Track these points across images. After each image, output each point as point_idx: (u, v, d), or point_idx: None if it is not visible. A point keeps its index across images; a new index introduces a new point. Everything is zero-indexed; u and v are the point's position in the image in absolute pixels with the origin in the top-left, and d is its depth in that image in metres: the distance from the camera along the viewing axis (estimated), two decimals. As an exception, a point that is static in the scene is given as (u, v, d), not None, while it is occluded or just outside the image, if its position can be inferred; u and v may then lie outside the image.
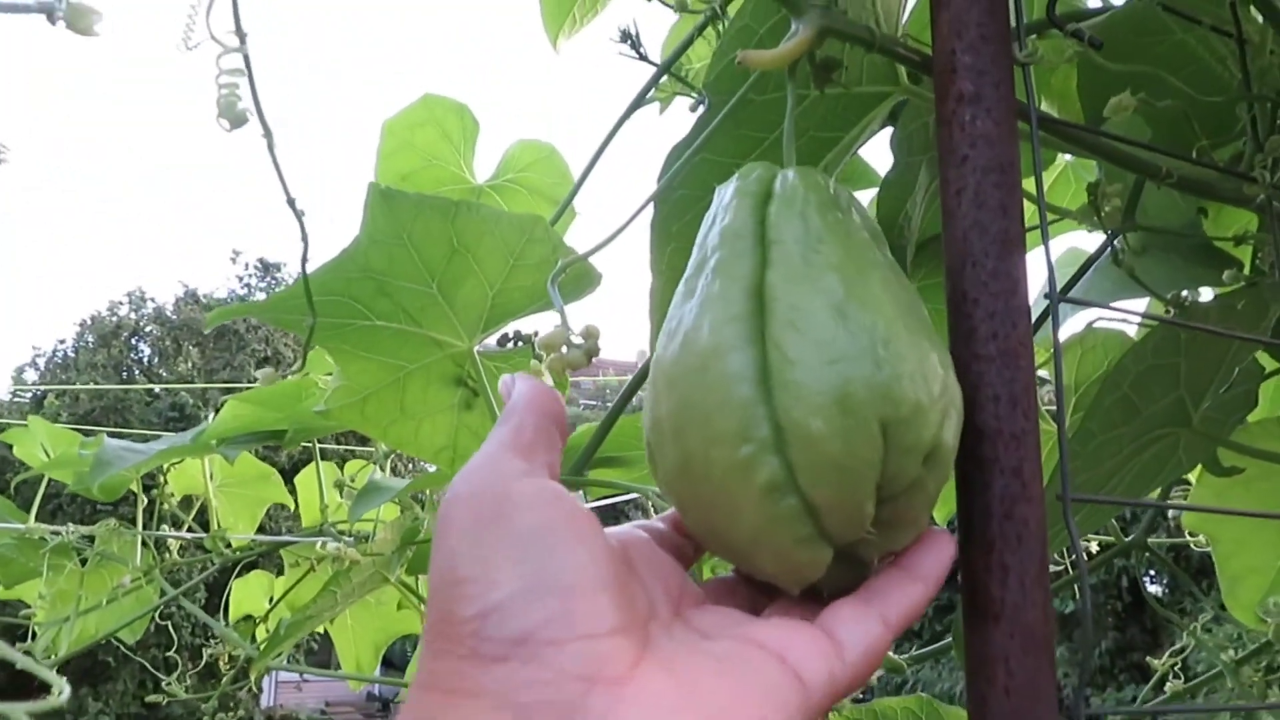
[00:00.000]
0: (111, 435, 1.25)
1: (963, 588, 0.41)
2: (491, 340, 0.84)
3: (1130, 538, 1.07)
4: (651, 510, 0.78)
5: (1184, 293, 0.91)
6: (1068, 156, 1.08)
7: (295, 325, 0.79)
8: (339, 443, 2.32)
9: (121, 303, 15.19)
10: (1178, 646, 1.05)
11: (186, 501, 1.57)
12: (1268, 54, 0.53)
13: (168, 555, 1.43)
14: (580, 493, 0.89)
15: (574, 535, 0.35)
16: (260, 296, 15.17)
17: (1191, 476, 1.06)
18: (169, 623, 1.49)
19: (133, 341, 14.85)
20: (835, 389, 0.36)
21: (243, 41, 0.59)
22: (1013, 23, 0.46)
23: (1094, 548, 1.32)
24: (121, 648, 1.65)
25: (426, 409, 0.87)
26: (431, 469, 1.03)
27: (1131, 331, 1.03)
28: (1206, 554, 1.11)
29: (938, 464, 0.39)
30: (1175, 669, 1.04)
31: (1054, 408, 0.59)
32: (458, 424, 0.88)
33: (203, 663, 1.55)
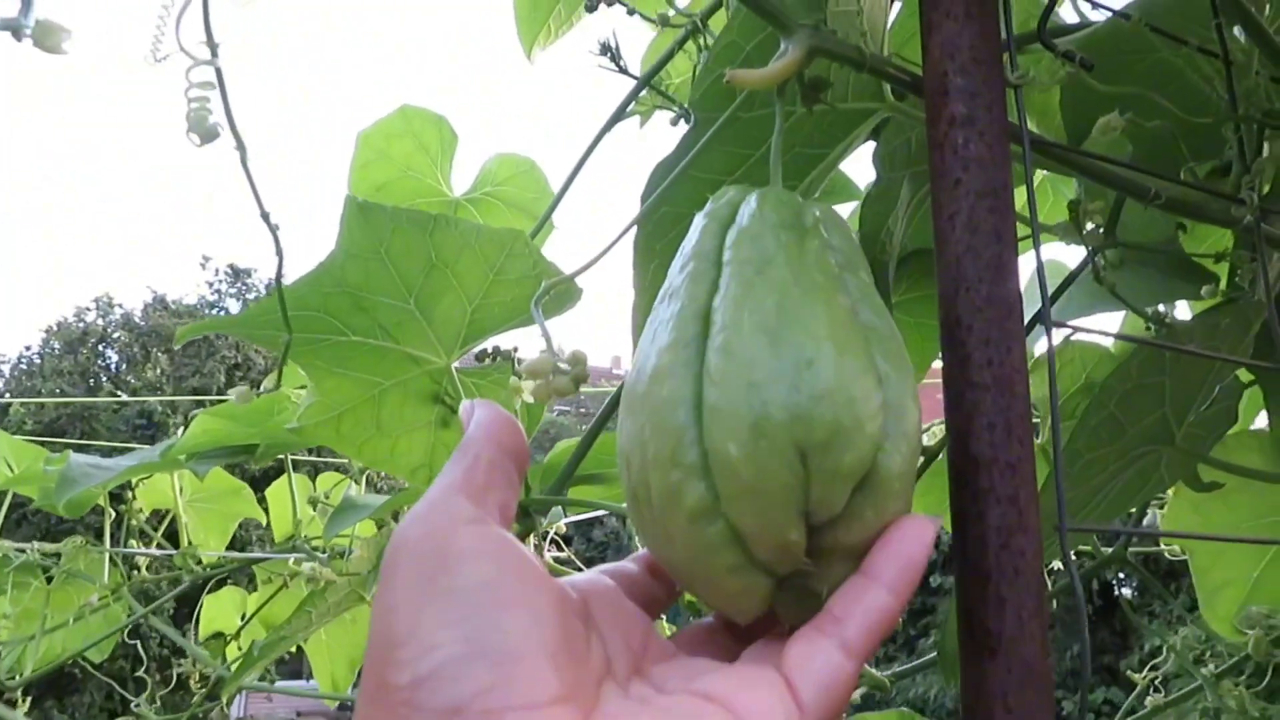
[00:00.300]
0: (78, 444, 1.23)
1: (959, 621, 0.40)
2: (470, 356, 0.83)
3: (1110, 550, 1.07)
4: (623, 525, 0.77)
5: (1161, 308, 0.92)
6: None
7: (269, 341, 0.77)
8: (311, 453, 2.29)
9: (89, 309, 15.00)
10: (1159, 661, 1.05)
11: (155, 515, 1.54)
12: (1253, 75, 0.53)
13: (136, 572, 1.41)
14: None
15: (521, 592, 0.33)
16: (230, 303, 15.06)
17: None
18: (138, 642, 1.46)
19: (100, 348, 14.67)
20: (752, 412, 0.35)
21: (214, 53, 0.58)
22: (1004, 45, 0.45)
23: (1071, 556, 1.32)
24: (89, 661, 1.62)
25: (403, 426, 0.85)
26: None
27: (1108, 342, 1.03)
28: (1176, 559, 1.12)
29: (875, 492, 0.37)
30: (1153, 682, 1.04)
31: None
32: (435, 441, 0.86)
33: (173, 680, 1.52)
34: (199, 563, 1.36)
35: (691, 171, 0.58)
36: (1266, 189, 0.60)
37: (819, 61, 0.48)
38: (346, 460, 1.46)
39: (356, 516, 1.01)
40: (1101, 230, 0.76)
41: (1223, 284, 0.86)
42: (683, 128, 0.94)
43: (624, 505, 0.83)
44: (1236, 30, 0.57)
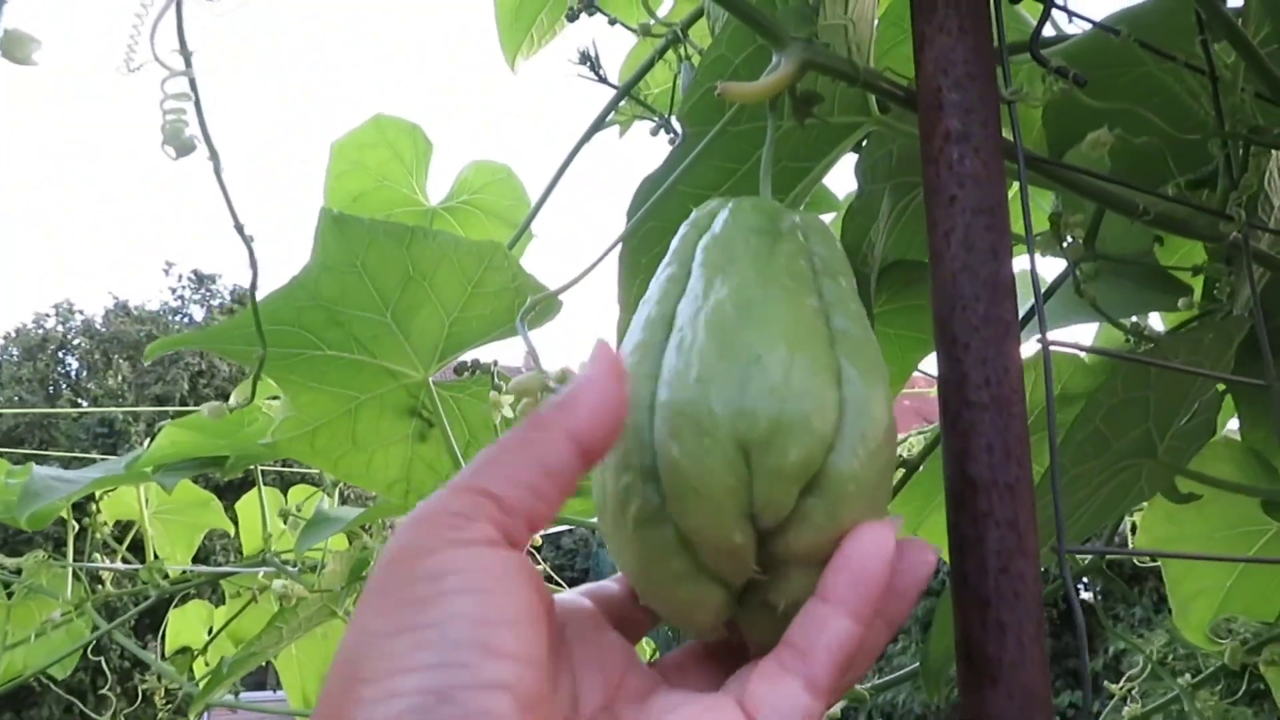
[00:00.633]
0: (38, 454, 1.20)
1: (958, 648, 0.39)
2: (448, 370, 0.82)
3: (1087, 561, 1.08)
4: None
5: (1135, 319, 0.92)
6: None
7: (243, 356, 0.75)
8: (280, 463, 2.26)
9: (48, 315, 14.73)
10: (1134, 671, 1.05)
11: (120, 525, 1.51)
12: (1239, 91, 0.53)
13: (100, 587, 1.38)
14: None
15: (501, 637, 0.29)
16: (194, 309, 14.85)
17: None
18: (101, 658, 1.43)
19: (60, 355, 14.42)
20: (695, 408, 0.34)
21: (188, 63, 0.56)
22: (998, 60, 0.45)
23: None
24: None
25: (379, 441, 0.84)
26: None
27: (1083, 351, 1.04)
28: (1142, 565, 1.12)
29: (826, 495, 0.34)
30: (1130, 692, 1.04)
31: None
32: (412, 456, 0.85)
33: (138, 695, 1.49)
34: (165, 577, 1.34)
35: (678, 186, 0.57)
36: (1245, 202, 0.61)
37: (809, 75, 0.47)
38: (316, 471, 1.44)
39: (329, 530, 1.00)
40: (1081, 242, 0.76)
41: (1197, 296, 0.87)
42: (663, 137, 0.94)
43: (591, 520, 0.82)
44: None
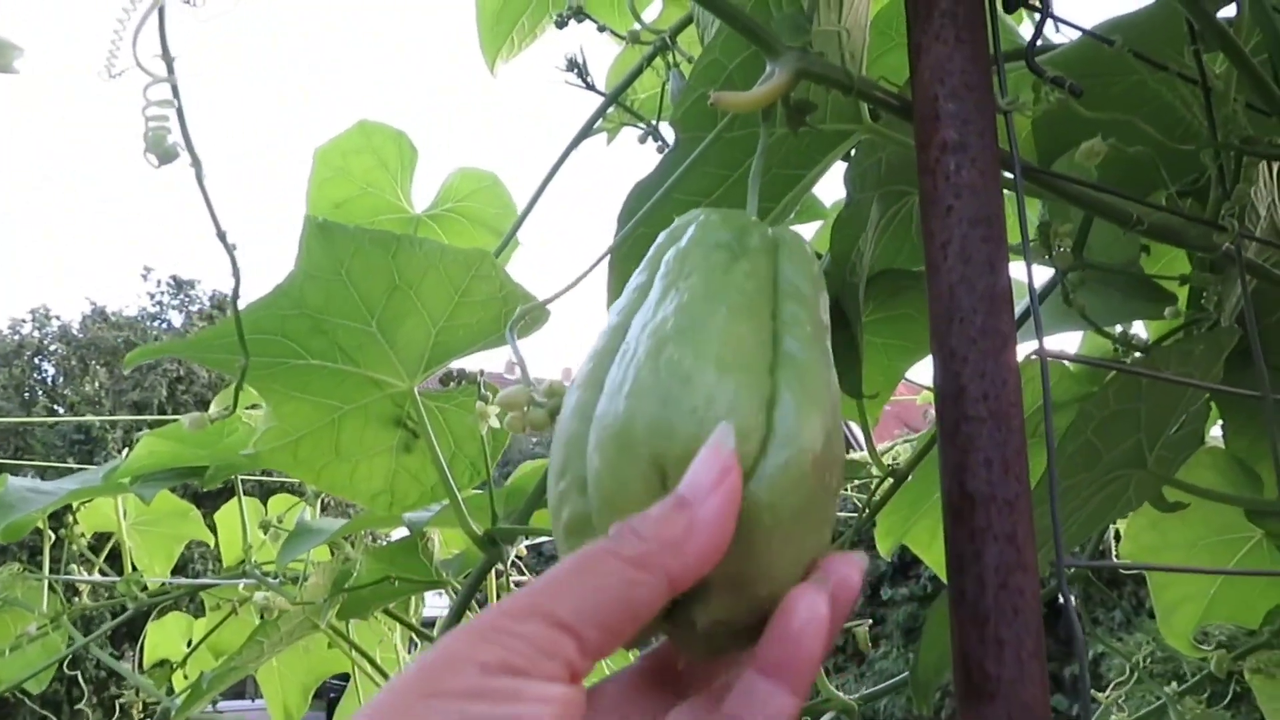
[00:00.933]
0: (12, 463, 1.18)
1: (955, 664, 0.39)
2: (433, 380, 0.81)
3: (1072, 570, 1.08)
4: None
5: (1121, 328, 0.92)
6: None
7: (225, 365, 0.74)
8: (261, 472, 2.23)
9: (24, 320, 14.58)
10: (1122, 679, 1.05)
11: (97, 536, 1.48)
12: (1231, 101, 0.53)
13: (77, 598, 1.35)
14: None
15: None
16: (173, 315, 14.72)
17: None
18: (78, 671, 1.40)
19: (36, 361, 14.26)
20: (619, 423, 0.34)
21: (171, 69, 0.55)
22: (994, 70, 0.44)
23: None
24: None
25: (363, 451, 0.83)
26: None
27: (1068, 358, 1.04)
28: (1125, 572, 1.12)
29: (741, 522, 0.33)
30: (1117, 701, 1.04)
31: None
32: (396, 467, 0.84)
33: (114, 711, 1.47)
34: (144, 589, 1.31)
35: (671, 193, 0.56)
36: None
37: (802, 83, 0.47)
38: (297, 479, 1.43)
39: (312, 542, 0.98)
40: (1069, 251, 0.76)
41: (1182, 305, 0.87)
42: (650, 145, 0.93)
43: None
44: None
